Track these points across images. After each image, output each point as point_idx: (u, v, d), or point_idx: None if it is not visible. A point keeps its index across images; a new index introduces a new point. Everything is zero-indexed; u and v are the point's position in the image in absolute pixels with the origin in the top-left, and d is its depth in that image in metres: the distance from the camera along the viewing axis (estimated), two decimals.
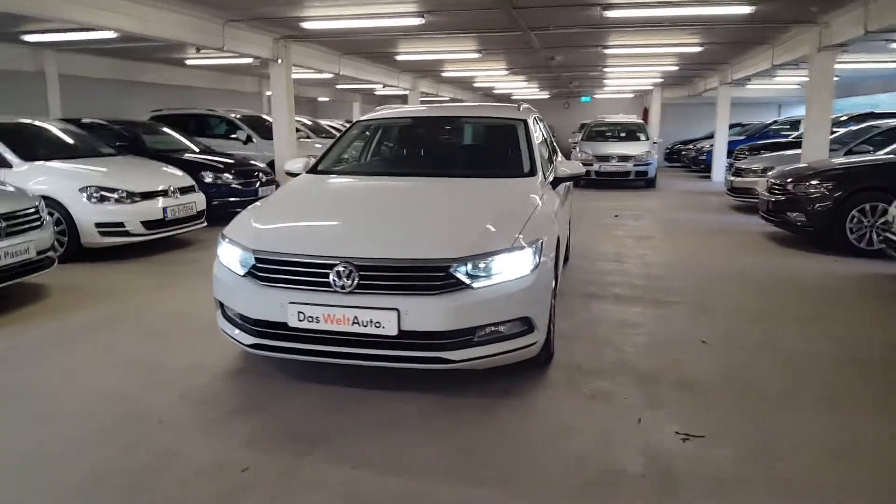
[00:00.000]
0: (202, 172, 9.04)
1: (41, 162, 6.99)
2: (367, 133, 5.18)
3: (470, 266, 3.27)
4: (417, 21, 9.09)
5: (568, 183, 5.51)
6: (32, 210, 5.21)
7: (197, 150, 10.12)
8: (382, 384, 3.60)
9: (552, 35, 10.82)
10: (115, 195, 6.80)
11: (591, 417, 3.31)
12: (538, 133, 5.27)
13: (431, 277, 3.23)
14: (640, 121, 17.72)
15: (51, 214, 6.63)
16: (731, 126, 19.72)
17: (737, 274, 6.48)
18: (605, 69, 17.21)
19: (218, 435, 3.11)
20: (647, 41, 11.86)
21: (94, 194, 6.73)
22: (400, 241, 3.42)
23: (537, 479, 2.73)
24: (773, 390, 3.63)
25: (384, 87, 18.06)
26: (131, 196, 6.89)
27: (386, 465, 2.84)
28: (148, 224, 6.98)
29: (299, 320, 3.29)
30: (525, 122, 4.89)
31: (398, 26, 9.70)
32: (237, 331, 3.55)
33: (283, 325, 3.34)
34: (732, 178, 11.05)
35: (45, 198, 6.61)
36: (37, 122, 7.95)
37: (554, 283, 3.99)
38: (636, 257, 7.23)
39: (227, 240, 3.65)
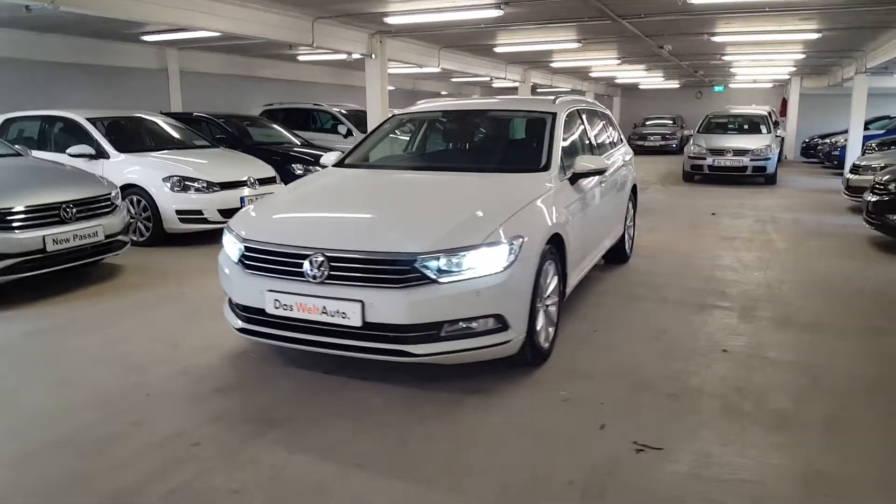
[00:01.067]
0: (293, 164, 9.54)
1: (135, 154, 7.70)
2: (400, 127, 5.24)
3: (436, 261, 3.24)
4: (495, 13, 9.02)
5: (611, 177, 5.29)
6: (104, 197, 5.75)
7: (298, 143, 10.68)
8: (363, 374, 3.65)
9: (647, 23, 10.31)
10: (196, 185, 7.34)
11: (556, 420, 3.18)
12: (577, 127, 5.09)
13: (395, 271, 3.24)
14: (765, 112, 16.37)
15: (138, 202, 7.39)
16: (878, 119, 17.80)
17: (816, 279, 5.89)
18: (725, 57, 16.10)
19: (191, 410, 3.31)
20: (757, 27, 10.95)
21: (177, 184, 7.31)
22: (369, 235, 3.46)
23: (461, 478, 2.68)
24: (769, 412, 3.29)
25: (492, 79, 18.03)
26: (210, 186, 7.41)
27: (322, 452, 2.90)
28: (225, 212, 7.46)
29: (275, 307, 3.43)
30: (553, 116, 4.71)
31: (477, 19, 9.65)
32: (231, 315, 3.75)
33: (263, 312, 3.49)
34: (849, 176, 9.98)
35: (134, 186, 7.42)
36: (140, 116, 8.75)
37: (556, 280, 3.88)
38: (707, 259, 6.75)
39: (228, 230, 3.86)
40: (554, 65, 17.68)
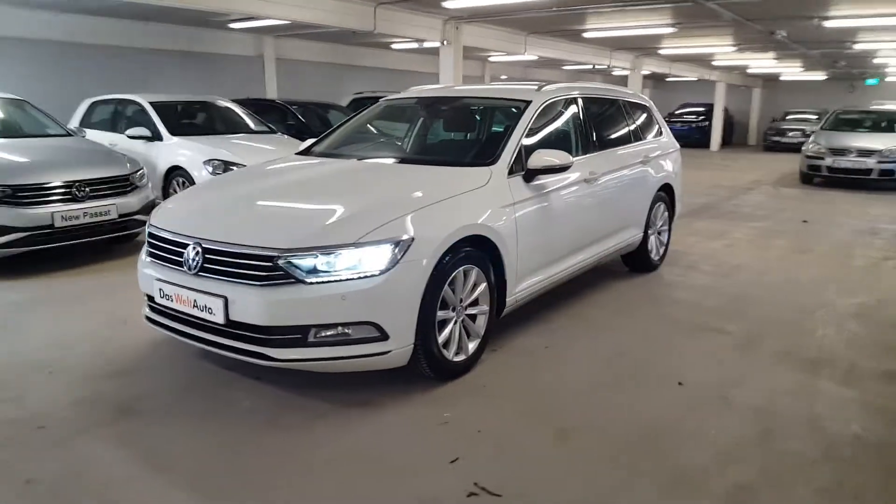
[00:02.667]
0: None
1: (186, 137, 8.03)
2: (382, 114, 4.96)
3: (302, 259, 2.99)
4: None
5: (613, 175, 4.73)
6: (121, 178, 6.02)
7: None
8: (258, 373, 3.48)
9: (741, 6, 9.21)
10: (235, 168, 7.53)
11: (413, 446, 2.84)
12: (561, 118, 4.59)
13: (257, 267, 3.03)
14: None
15: (182, 184, 7.71)
16: None
17: (854, 304, 4.93)
18: (858, 45, 14.14)
19: (70, 391, 3.31)
20: (879, 10, 9.44)
21: (218, 167, 7.53)
22: (243, 227, 3.27)
23: (248, 499, 2.44)
24: (669, 467, 2.73)
25: (594, 66, 17.14)
26: None
27: (145, 451, 2.78)
28: None
29: (160, 297, 3.35)
30: (525, 105, 4.25)
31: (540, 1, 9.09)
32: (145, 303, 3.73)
33: (153, 300, 3.44)
34: None
35: (179, 168, 7.76)
36: (205, 101, 9.13)
37: (484, 288, 3.54)
38: (753, 273, 5.90)
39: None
40: (663, 52, 16.45)
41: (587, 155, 4.67)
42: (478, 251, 3.51)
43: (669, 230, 6.05)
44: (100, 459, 2.71)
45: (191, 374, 3.54)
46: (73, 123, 9.29)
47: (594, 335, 4.22)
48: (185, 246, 3.25)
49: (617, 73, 20.41)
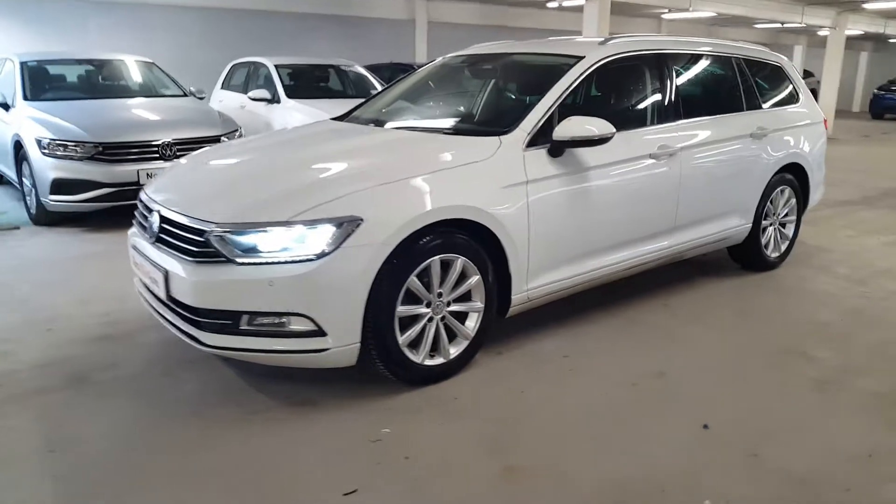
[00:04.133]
0: None
1: (302, 100, 8.06)
2: (430, 75, 4.41)
3: (232, 236, 2.65)
4: None
5: (696, 152, 3.84)
6: (211, 138, 6.11)
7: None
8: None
9: None
10: None
11: (317, 465, 2.40)
12: (625, 80, 3.79)
13: (191, 241, 2.74)
14: None
15: None
16: None
17: None
18: None
19: (50, 351, 3.31)
20: None
21: None
22: (193, 197, 2.98)
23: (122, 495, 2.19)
24: None
25: (782, 25, 14.80)
26: None
27: (58, 428, 2.65)
28: None
29: (133, 263, 3.22)
30: (576, 61, 3.50)
31: None
32: None
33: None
34: None
35: None
36: (331, 65, 9.14)
37: (477, 281, 3.00)
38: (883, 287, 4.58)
39: None
40: (870, 6, 13.68)
41: (661, 125, 3.79)
42: (467, 238, 2.93)
43: (798, 221, 4.86)
44: (10, 430, 2.62)
45: (166, 350, 3.38)
46: (217, 86, 9.86)
47: (637, 347, 3.43)
48: (151, 212, 3.07)
49: (822, 32, 17.54)
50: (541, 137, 3.21)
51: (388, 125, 3.70)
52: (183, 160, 3.72)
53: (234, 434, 2.61)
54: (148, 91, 7.10)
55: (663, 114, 3.81)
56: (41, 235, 5.58)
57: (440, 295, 2.93)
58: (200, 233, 2.70)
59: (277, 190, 2.81)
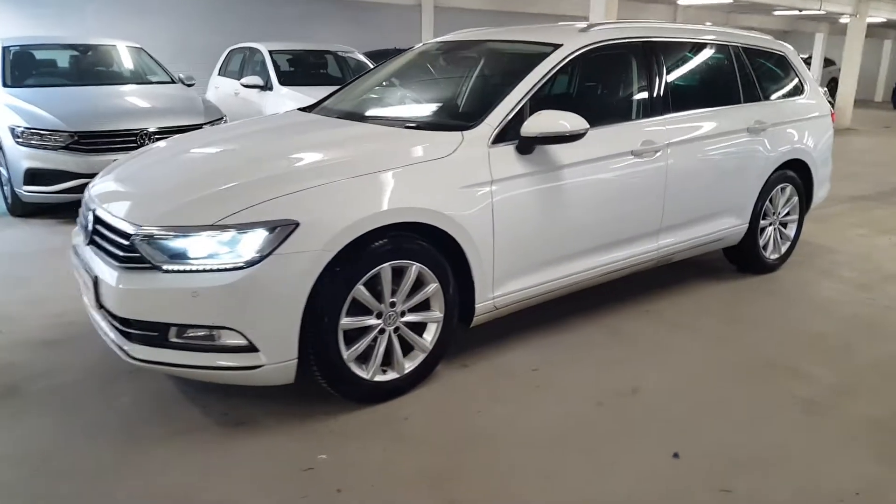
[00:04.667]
0: None
1: (294, 87, 7.83)
2: (406, 63, 4.12)
3: (155, 240, 2.43)
4: None
5: (687, 147, 3.57)
6: (194, 126, 5.88)
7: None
8: None
9: None
10: None
11: (233, 499, 2.19)
12: (608, 71, 3.53)
13: (118, 245, 2.53)
14: None
15: None
16: None
17: None
18: None
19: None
20: None
21: None
22: (124, 195, 2.78)
23: None
24: None
25: (800, 12, 14.24)
26: None
27: None
28: None
29: (72, 265, 3.02)
30: (553, 49, 3.22)
31: None
32: None
33: None
34: None
35: None
36: (326, 50, 8.89)
37: (435, 289, 2.77)
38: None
39: None
40: None
41: (646, 119, 3.51)
42: (422, 243, 2.69)
43: (800, 221, 4.55)
44: None
45: (108, 358, 3.15)
46: (214, 72, 9.66)
47: (613, 359, 3.18)
48: (88, 210, 2.87)
49: (844, 20, 16.91)
50: (509, 133, 2.95)
51: (352, 118, 3.44)
52: (135, 152, 3.51)
53: (154, 457, 2.41)
54: (134, 78, 6.91)
55: (649, 107, 3.53)
56: (15, 227, 5.42)
57: (393, 304, 2.69)
58: (127, 236, 2.49)
59: (210, 191, 2.58)
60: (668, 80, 3.63)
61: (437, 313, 2.82)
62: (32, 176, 5.38)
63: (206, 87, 9.66)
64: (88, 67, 6.90)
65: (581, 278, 3.32)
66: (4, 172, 5.72)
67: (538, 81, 3.09)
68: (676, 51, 3.82)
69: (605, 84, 3.69)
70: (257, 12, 12.11)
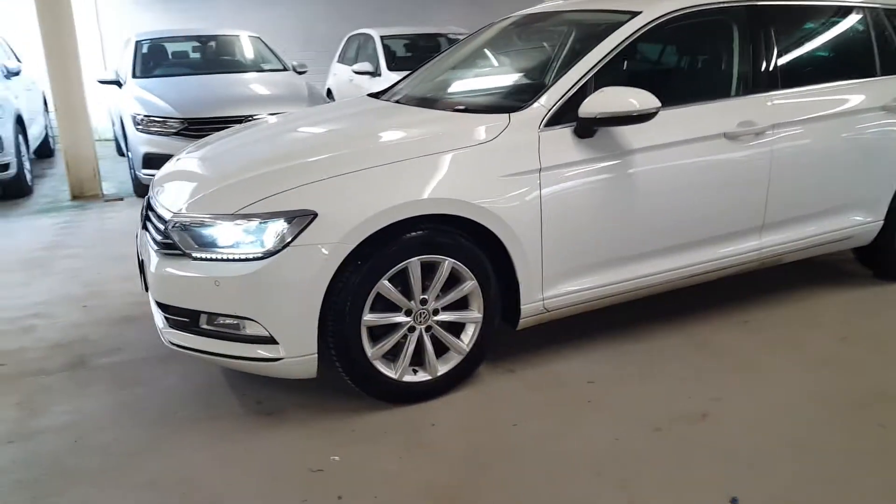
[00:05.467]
0: None
1: (401, 73, 7.77)
2: (481, 41, 3.81)
3: (185, 229, 2.41)
4: None
5: (811, 125, 3.05)
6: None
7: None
8: None
9: None
10: None
11: (232, 489, 2.11)
12: (705, 40, 3.08)
13: (158, 230, 2.55)
14: None
15: None
16: None
17: None
18: None
19: (69, 330, 3.33)
20: None
21: None
22: (173, 181, 2.81)
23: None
24: None
25: None
26: None
27: (28, 412, 2.60)
28: None
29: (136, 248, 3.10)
30: (629, 18, 2.84)
31: None
32: None
33: None
34: None
35: None
36: (441, 33, 8.76)
37: (473, 290, 2.55)
38: None
39: None
40: None
41: (746, 96, 3.02)
42: (456, 236, 2.47)
43: None
44: None
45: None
46: (334, 59, 9.89)
47: (686, 378, 2.77)
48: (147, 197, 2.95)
49: None
50: (569, 114, 2.63)
51: (410, 102, 3.25)
52: (202, 141, 3.56)
53: (182, 441, 2.41)
54: (248, 66, 7.19)
55: (750, 82, 3.02)
56: (134, 207, 5.82)
57: (424, 302, 2.50)
58: (164, 222, 2.49)
59: (240, 178, 2.52)
60: (778, 50, 3.08)
61: (475, 313, 2.59)
62: (149, 160, 5.73)
63: (328, 74, 9.93)
64: (208, 57, 7.28)
65: (655, 281, 2.93)
66: (130, 156, 6.16)
67: (606, 55, 2.73)
68: (792, 15, 3.26)
69: (694, 56, 3.25)
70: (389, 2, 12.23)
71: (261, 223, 2.29)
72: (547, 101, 2.64)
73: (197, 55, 7.30)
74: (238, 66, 7.17)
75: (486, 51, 3.60)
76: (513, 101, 2.75)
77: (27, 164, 6.45)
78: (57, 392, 2.77)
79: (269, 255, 2.27)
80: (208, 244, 2.36)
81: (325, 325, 2.35)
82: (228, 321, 2.39)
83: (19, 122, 6.34)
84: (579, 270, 2.74)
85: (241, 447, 2.36)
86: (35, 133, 6.73)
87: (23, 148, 6.32)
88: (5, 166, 5.78)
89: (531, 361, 2.89)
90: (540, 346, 2.99)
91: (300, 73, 7.41)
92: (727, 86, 3.05)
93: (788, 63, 3.13)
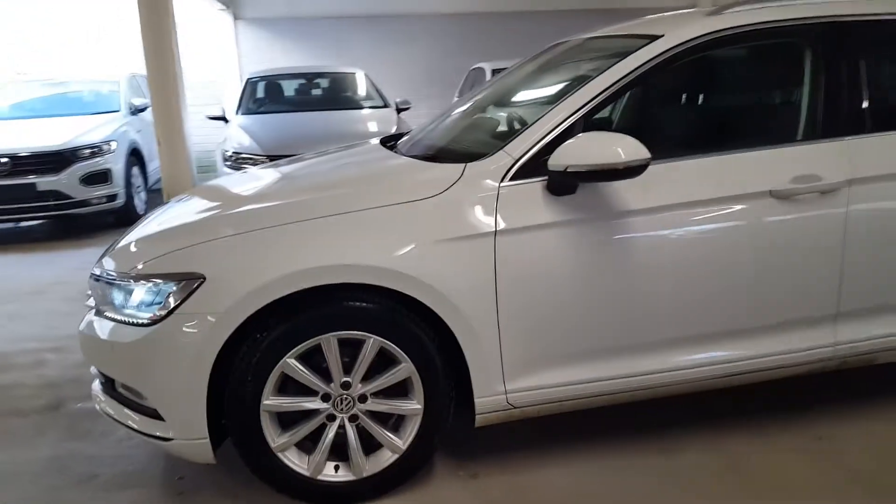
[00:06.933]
0: None
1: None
2: (511, 75, 3.19)
3: (97, 283, 2.21)
4: None
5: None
6: None
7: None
8: None
9: None
10: None
11: None
12: (739, 71, 2.45)
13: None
14: None
15: None
16: None
17: None
18: None
19: (62, 374, 3.30)
20: None
21: None
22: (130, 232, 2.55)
23: None
24: None
25: None
26: None
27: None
28: None
29: None
30: (645, 43, 2.24)
31: None
32: None
33: None
34: None
35: None
36: None
37: (405, 368, 2.10)
38: None
39: None
40: None
41: (807, 143, 2.28)
42: (383, 311, 2.03)
43: None
44: None
45: None
46: (455, 92, 9.75)
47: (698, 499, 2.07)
48: None
49: None
50: (531, 165, 2.11)
51: (403, 147, 2.85)
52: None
53: None
54: (349, 103, 7.21)
55: (819, 125, 2.27)
56: None
57: (346, 385, 2.08)
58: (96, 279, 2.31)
59: (153, 233, 2.29)
60: (861, 82, 2.31)
61: (413, 403, 2.12)
62: None
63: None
64: (311, 95, 7.41)
65: (666, 380, 2.25)
66: None
67: (601, 91, 2.16)
68: (878, 35, 2.44)
69: (731, 91, 2.53)
70: (513, 30, 11.99)
71: (150, 284, 2.02)
72: (514, 149, 2.13)
73: (301, 93, 7.47)
74: (339, 104, 7.20)
75: (500, 91, 3.09)
76: (489, 148, 2.27)
77: (142, 196, 6.91)
78: (11, 436, 2.70)
79: (155, 321, 1.99)
80: (110, 303, 2.14)
81: (217, 408, 2.02)
82: (130, 390, 2.15)
83: (137, 155, 6.82)
84: (558, 360, 2.17)
85: None
86: (155, 167, 7.21)
87: (138, 180, 6.78)
88: (113, 197, 6.20)
89: (507, 466, 2.33)
90: (527, 445, 2.43)
91: (402, 109, 7.29)
92: (780, 129, 2.34)
93: (873, 99, 2.33)
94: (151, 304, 2.01)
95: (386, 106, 7.20)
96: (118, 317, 2.09)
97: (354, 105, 7.15)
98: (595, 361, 2.20)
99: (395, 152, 2.76)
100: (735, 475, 2.24)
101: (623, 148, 1.97)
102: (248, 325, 1.97)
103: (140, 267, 2.05)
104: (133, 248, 2.21)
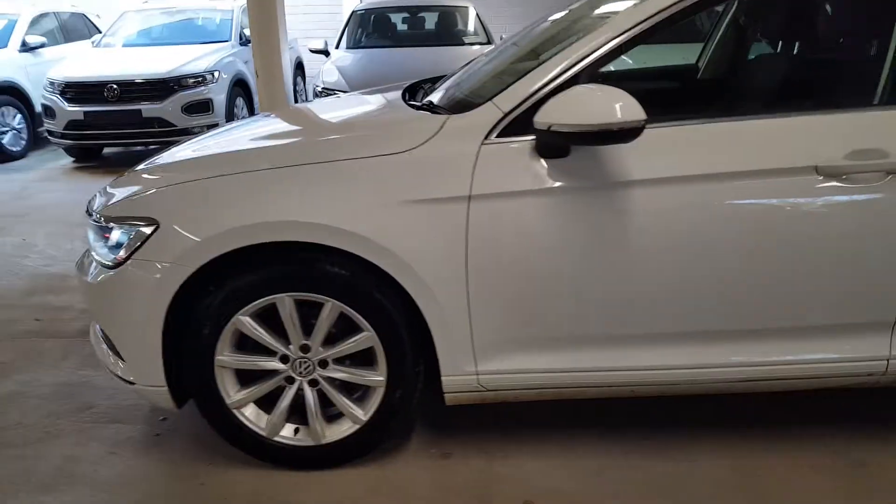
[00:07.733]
0: None
1: None
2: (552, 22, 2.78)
3: (90, 223, 2.21)
4: None
5: None
6: None
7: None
8: None
9: None
10: None
11: None
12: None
13: None
14: None
15: None
16: None
17: None
18: None
19: None
20: None
21: None
22: None
23: None
24: None
25: None
26: None
27: None
28: None
29: None
30: None
31: None
32: None
33: None
34: None
35: None
36: None
37: (365, 337, 1.95)
38: None
39: None
40: None
41: (865, 109, 1.79)
42: (347, 273, 1.87)
43: None
44: None
45: None
46: None
47: None
48: None
49: None
50: (524, 121, 1.80)
51: (416, 95, 2.59)
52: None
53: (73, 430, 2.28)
54: (451, 38, 6.88)
55: (879, 88, 1.76)
56: None
57: (306, 349, 1.97)
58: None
59: (130, 175, 2.24)
60: None
61: (376, 375, 1.97)
62: None
63: None
64: (414, 29, 7.16)
65: (670, 378, 1.93)
66: None
67: (611, 38, 1.79)
68: None
69: (768, 40, 2.01)
70: None
71: (112, 228, 1.98)
72: (504, 101, 1.83)
73: (405, 27, 7.25)
74: (441, 39, 6.91)
75: (532, 40, 2.65)
76: (477, 100, 1.97)
77: None
78: (41, 358, 2.85)
79: (116, 265, 1.95)
80: (91, 243, 2.14)
81: (174, 357, 1.99)
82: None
83: (243, 86, 6.99)
84: (538, 345, 1.92)
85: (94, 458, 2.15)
86: None
87: (243, 111, 6.97)
88: (213, 126, 6.42)
89: (486, 449, 2.14)
90: (519, 430, 2.22)
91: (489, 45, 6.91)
92: (830, 92, 1.84)
93: None
94: (116, 246, 1.97)
95: (489, 42, 6.83)
96: (98, 258, 2.08)
97: (457, 41, 6.82)
98: (582, 350, 1.92)
99: (415, 99, 2.52)
100: (747, 491, 1.91)
101: (611, 103, 1.62)
102: (210, 276, 1.89)
103: (107, 209, 2.02)
104: (111, 188, 2.18)
